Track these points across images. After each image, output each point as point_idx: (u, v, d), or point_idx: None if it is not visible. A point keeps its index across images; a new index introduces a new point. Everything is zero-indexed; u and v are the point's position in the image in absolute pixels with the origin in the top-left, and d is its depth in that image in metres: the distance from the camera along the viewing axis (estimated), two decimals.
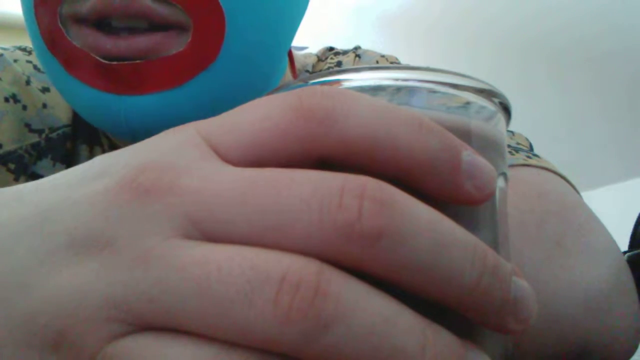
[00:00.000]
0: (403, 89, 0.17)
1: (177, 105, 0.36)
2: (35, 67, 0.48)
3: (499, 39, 2.95)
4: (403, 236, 0.13)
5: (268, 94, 0.17)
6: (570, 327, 0.29)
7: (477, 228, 0.17)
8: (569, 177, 0.38)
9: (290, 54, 0.52)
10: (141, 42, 0.34)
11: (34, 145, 0.45)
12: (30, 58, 0.49)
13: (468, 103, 0.17)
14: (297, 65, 0.54)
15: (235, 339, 0.13)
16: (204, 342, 0.13)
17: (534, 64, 3.06)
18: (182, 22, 0.35)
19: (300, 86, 0.17)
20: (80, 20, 0.35)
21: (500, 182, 0.18)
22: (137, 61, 0.35)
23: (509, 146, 0.40)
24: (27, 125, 0.45)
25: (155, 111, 0.36)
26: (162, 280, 0.13)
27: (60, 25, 0.35)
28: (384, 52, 0.55)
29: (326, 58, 0.56)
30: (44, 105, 0.46)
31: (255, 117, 0.15)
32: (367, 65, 0.18)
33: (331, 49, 0.57)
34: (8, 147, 0.44)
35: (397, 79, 0.17)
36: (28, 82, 0.46)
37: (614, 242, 0.34)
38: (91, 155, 0.47)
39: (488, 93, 0.18)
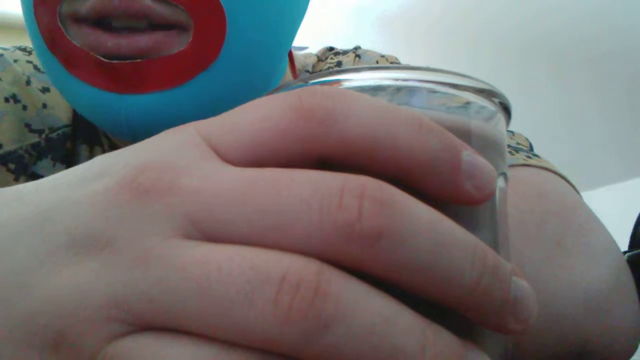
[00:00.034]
0: (403, 89, 0.17)
1: (178, 104, 0.36)
2: (35, 67, 0.48)
3: (499, 39, 2.95)
4: (403, 236, 0.13)
5: (268, 94, 0.17)
6: (570, 327, 0.29)
7: (477, 228, 0.17)
8: (569, 177, 0.38)
9: (290, 54, 0.52)
10: (142, 40, 0.34)
11: (34, 146, 0.45)
12: (30, 58, 0.49)
13: (468, 103, 0.17)
14: (297, 65, 0.54)
15: (235, 339, 0.13)
16: (204, 342, 0.13)
17: (534, 64, 3.06)
18: (183, 22, 0.35)
19: (300, 86, 0.17)
20: (80, 19, 0.35)
21: (500, 182, 0.18)
22: (138, 60, 0.34)
23: (509, 146, 0.40)
24: (27, 125, 0.45)
25: (156, 110, 0.36)
26: (162, 280, 0.13)
27: (59, 24, 0.35)
28: (384, 52, 0.55)
29: (326, 58, 0.56)
30: (44, 106, 0.46)
31: (255, 117, 0.15)
32: (367, 65, 0.18)
33: (331, 49, 0.57)
34: (8, 147, 0.44)
35: (397, 79, 0.17)
36: (28, 82, 0.46)
37: (614, 242, 0.34)
38: (91, 155, 0.47)
39: (488, 93, 0.18)
